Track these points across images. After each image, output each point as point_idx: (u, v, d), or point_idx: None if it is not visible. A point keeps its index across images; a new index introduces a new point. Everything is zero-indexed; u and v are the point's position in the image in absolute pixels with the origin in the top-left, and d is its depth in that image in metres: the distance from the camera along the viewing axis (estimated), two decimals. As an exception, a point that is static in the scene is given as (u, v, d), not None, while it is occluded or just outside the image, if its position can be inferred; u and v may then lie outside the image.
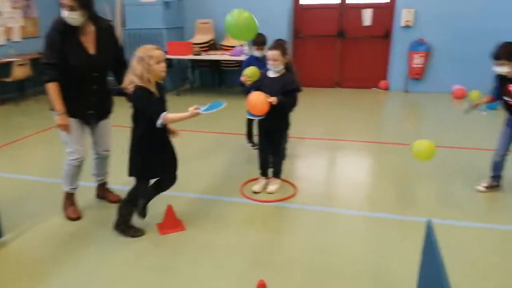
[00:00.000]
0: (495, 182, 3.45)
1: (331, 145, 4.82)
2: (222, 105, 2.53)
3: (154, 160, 2.66)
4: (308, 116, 5.92)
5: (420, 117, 6.56)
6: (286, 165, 3.79)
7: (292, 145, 4.44)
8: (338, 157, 4.55)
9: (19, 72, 6.60)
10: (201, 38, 7.79)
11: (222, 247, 2.71)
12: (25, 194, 3.50)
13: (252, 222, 3.05)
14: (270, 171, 3.59)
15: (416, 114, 6.76)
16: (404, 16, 7.27)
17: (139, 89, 2.46)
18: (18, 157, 4.48)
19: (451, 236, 2.78)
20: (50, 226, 2.97)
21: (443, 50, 7.28)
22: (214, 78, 8.32)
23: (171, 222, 2.89)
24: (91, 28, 2.78)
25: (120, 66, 2.89)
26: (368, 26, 7.70)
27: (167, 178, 2.78)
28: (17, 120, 6.00)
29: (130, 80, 2.48)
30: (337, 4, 7.76)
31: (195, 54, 7.30)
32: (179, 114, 2.52)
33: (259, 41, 4.07)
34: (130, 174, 2.69)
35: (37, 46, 6.62)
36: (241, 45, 6.99)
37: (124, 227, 2.80)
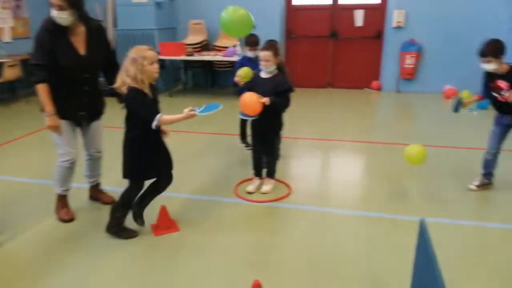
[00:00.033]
0: (487, 179, 3.48)
1: (324, 145, 4.84)
2: (219, 107, 2.52)
3: (150, 160, 2.65)
4: (301, 116, 5.94)
5: (412, 117, 6.61)
6: (280, 165, 3.79)
7: (286, 145, 4.45)
8: (332, 157, 4.57)
9: (10, 73, 6.54)
10: (193, 38, 7.78)
11: (216, 247, 2.71)
12: (17, 196, 3.47)
13: (246, 223, 3.06)
14: (264, 171, 3.60)
15: (408, 114, 6.81)
16: (395, 17, 7.33)
17: (133, 91, 2.44)
18: (9, 159, 4.43)
19: (444, 234, 2.80)
20: (42, 228, 2.95)
21: (434, 50, 7.35)
22: (207, 78, 8.30)
23: (165, 223, 2.88)
24: (81, 29, 2.75)
25: (111, 67, 2.88)
26: (360, 27, 7.74)
27: (164, 178, 2.78)
28: (8, 122, 5.94)
29: (123, 81, 2.45)
30: (329, 5, 7.79)
31: (187, 55, 7.28)
32: (175, 116, 2.51)
33: (252, 41, 4.08)
34: (125, 176, 2.67)
35: (28, 47, 6.52)
36: (234, 46, 6.99)
37: (117, 229, 2.78)
